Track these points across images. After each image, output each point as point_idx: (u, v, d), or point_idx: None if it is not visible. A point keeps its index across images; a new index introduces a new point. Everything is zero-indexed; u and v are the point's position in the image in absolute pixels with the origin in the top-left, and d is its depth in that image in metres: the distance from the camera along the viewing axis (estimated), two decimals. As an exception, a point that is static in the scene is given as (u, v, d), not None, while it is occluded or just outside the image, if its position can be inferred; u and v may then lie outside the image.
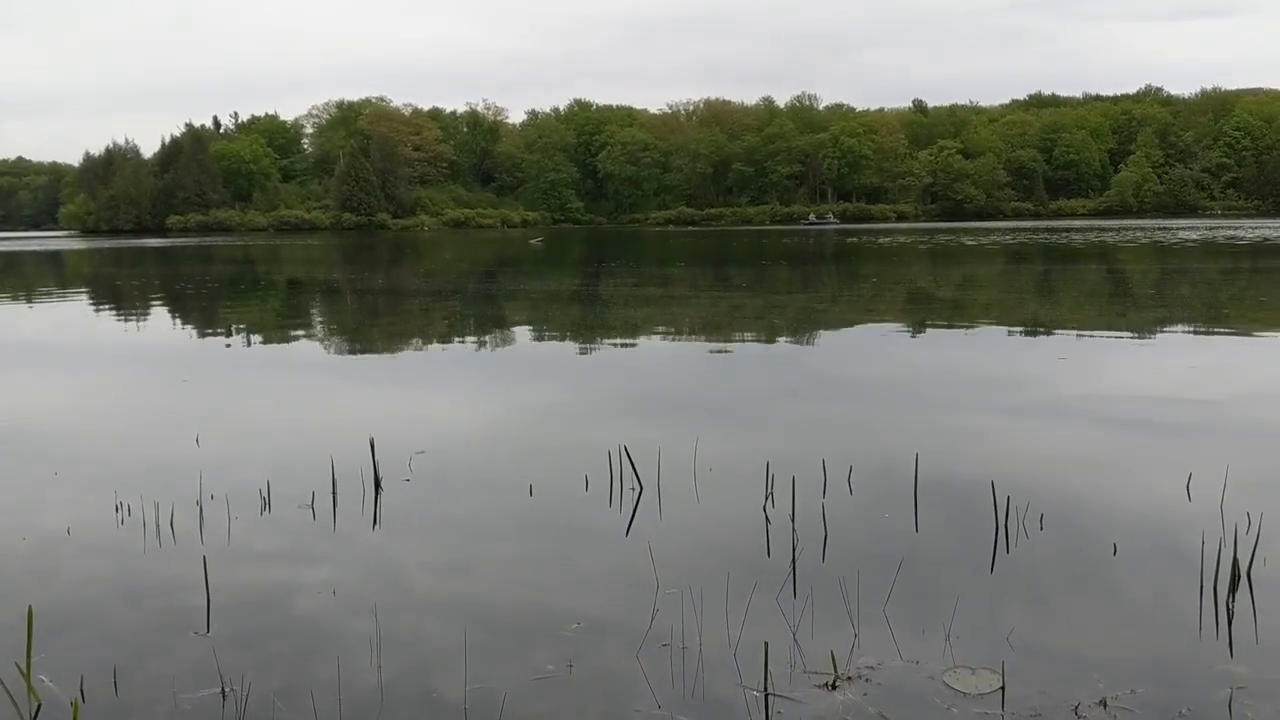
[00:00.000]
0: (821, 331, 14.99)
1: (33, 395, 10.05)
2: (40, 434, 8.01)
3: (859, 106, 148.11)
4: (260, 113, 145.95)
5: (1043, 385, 9.60)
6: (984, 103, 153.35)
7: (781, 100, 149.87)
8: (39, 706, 3.43)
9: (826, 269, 33.09)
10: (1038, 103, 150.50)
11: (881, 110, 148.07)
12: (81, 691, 3.56)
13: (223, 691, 3.60)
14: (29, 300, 24.16)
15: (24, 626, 3.64)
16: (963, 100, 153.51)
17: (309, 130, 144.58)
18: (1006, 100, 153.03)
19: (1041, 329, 14.87)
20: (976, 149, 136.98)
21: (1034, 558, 4.90)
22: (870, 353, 12.56)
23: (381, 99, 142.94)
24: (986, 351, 12.47)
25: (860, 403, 9.01)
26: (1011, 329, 14.74)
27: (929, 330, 14.95)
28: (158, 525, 5.47)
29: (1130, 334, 13.94)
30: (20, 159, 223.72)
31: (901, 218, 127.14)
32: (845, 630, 4.06)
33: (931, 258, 37.40)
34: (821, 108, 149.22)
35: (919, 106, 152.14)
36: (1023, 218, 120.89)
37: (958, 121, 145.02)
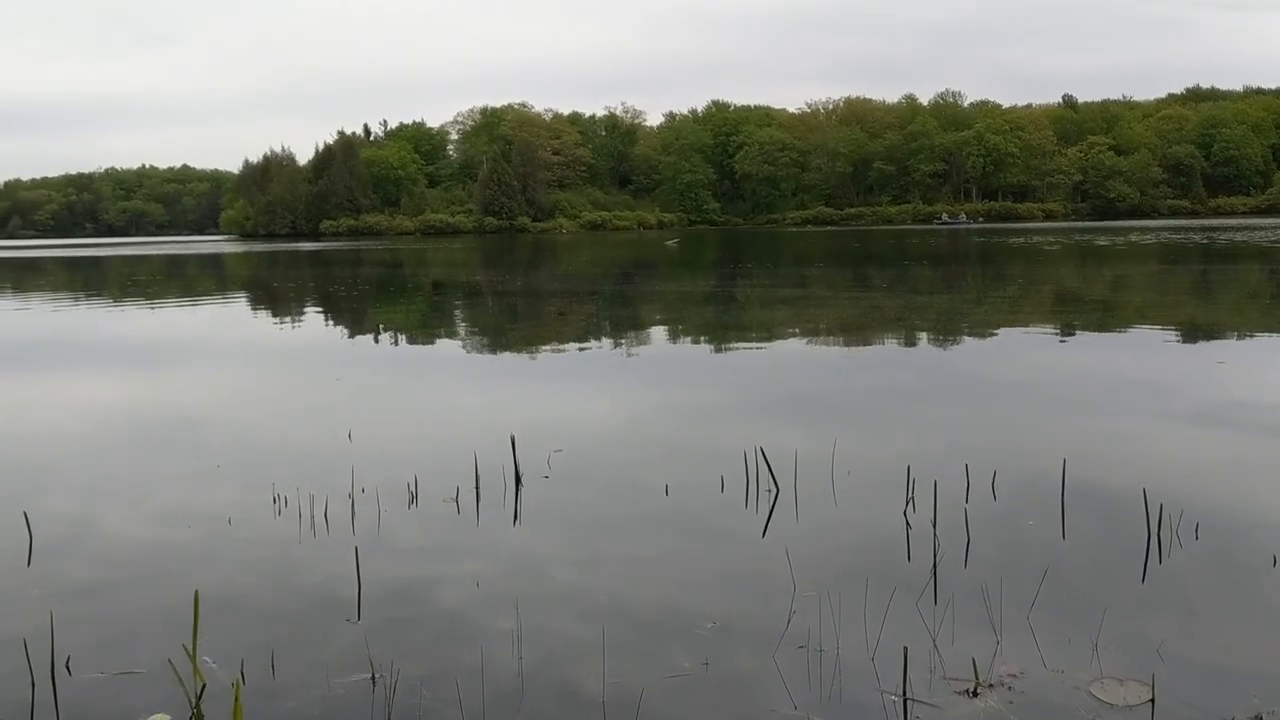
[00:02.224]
0: (964, 333, 14.66)
1: (197, 392, 10.59)
2: (204, 428, 8.44)
3: (1005, 103, 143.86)
4: (408, 120, 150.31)
5: (1200, 390, 9.20)
6: (1137, 97, 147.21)
7: (924, 97, 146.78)
8: (203, 687, 3.62)
9: (970, 269, 32.31)
10: (1195, 96, 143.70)
11: (1029, 106, 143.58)
12: (242, 673, 3.74)
13: (372, 677, 3.74)
14: (193, 301, 25.43)
15: (191, 610, 3.84)
16: (1115, 95, 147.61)
17: (454, 136, 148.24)
18: (1162, 94, 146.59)
19: (1199, 332, 14.23)
20: (1129, 145, 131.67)
21: (1188, 568, 4.71)
22: (1016, 355, 12.23)
23: (523, 104, 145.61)
24: (1139, 355, 12.00)
25: (1005, 407, 8.79)
26: (1166, 332, 14.15)
27: (1078, 332, 14.47)
28: (312, 516, 5.72)
29: (1297, 337, 13.22)
30: (185, 166, 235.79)
31: (1049, 216, 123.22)
32: (987, 637, 3.98)
33: (1080, 257, 36.16)
34: (966, 104, 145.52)
35: (1068, 102, 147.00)
36: (1179, 216, 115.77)
37: (1109, 117, 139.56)
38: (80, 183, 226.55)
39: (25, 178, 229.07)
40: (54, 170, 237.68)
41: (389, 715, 3.47)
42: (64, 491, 6.42)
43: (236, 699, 3.23)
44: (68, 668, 3.86)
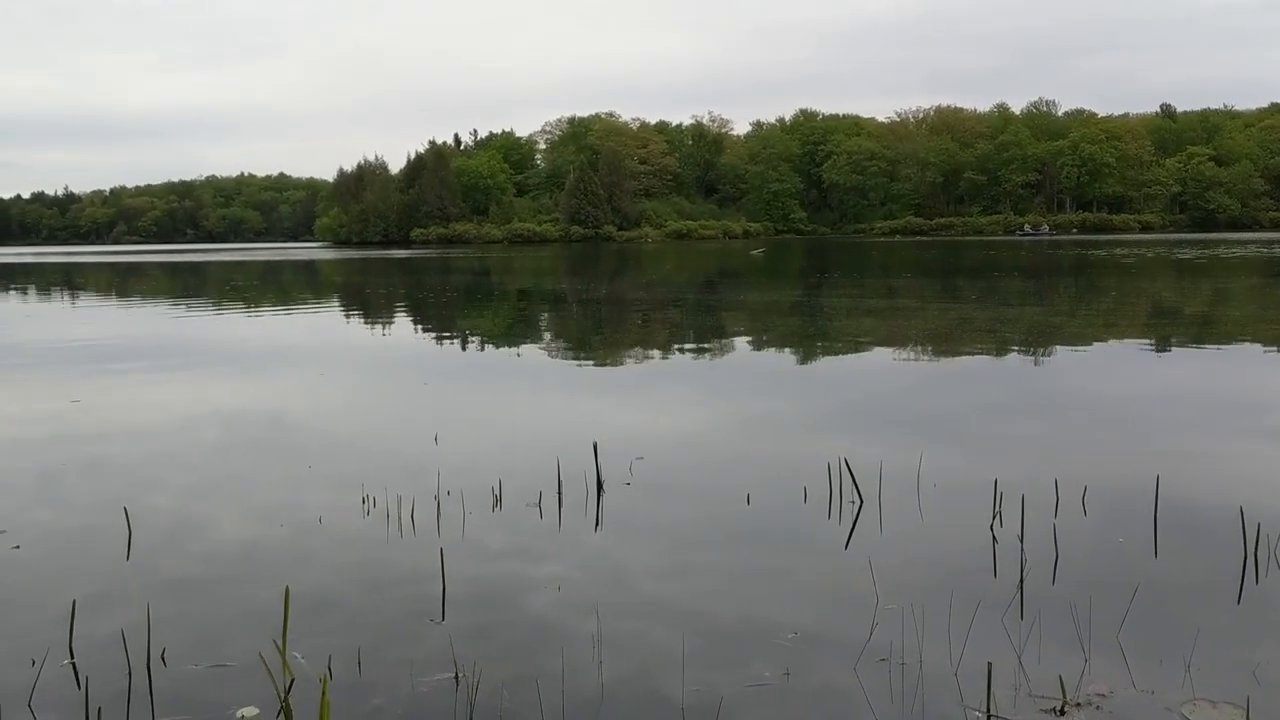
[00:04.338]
0: (1056, 346, 14.34)
1: (291, 394, 10.85)
2: (297, 430, 8.65)
3: (1100, 112, 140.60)
4: (498, 129, 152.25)
5: (1304, 408, 8.88)
6: (1239, 106, 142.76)
7: (1017, 106, 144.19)
8: (292, 681, 3.71)
9: (1063, 281, 31.62)
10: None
11: (1125, 116, 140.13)
12: (329, 669, 3.82)
13: (456, 677, 3.80)
14: (288, 307, 26.04)
15: (281, 606, 3.94)
16: (1215, 104, 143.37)
17: (542, 146, 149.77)
18: (1265, 104, 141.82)
19: (1304, 347, 13.73)
20: (1230, 156, 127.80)
21: (1289, 592, 4.55)
22: (1108, 369, 11.94)
23: (611, 114, 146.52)
24: (1239, 371, 11.63)
25: (1096, 421, 8.58)
26: (1268, 348, 13.69)
27: (1174, 347, 14.07)
28: (399, 518, 5.82)
29: None
30: (282, 174, 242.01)
31: (1146, 228, 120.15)
32: (1075, 655, 3.89)
33: (1178, 270, 35.16)
34: (1060, 113, 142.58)
35: (1167, 111, 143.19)
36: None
37: (1209, 127, 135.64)
38: (182, 190, 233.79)
39: (130, 185, 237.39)
40: (157, 178, 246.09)
41: (471, 715, 3.52)
42: (163, 489, 6.63)
43: (324, 694, 3.30)
44: (163, 660, 3.99)
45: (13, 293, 34.77)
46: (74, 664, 3.97)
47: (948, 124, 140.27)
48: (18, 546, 5.41)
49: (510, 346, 15.84)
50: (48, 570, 5.08)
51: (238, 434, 8.53)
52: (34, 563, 5.19)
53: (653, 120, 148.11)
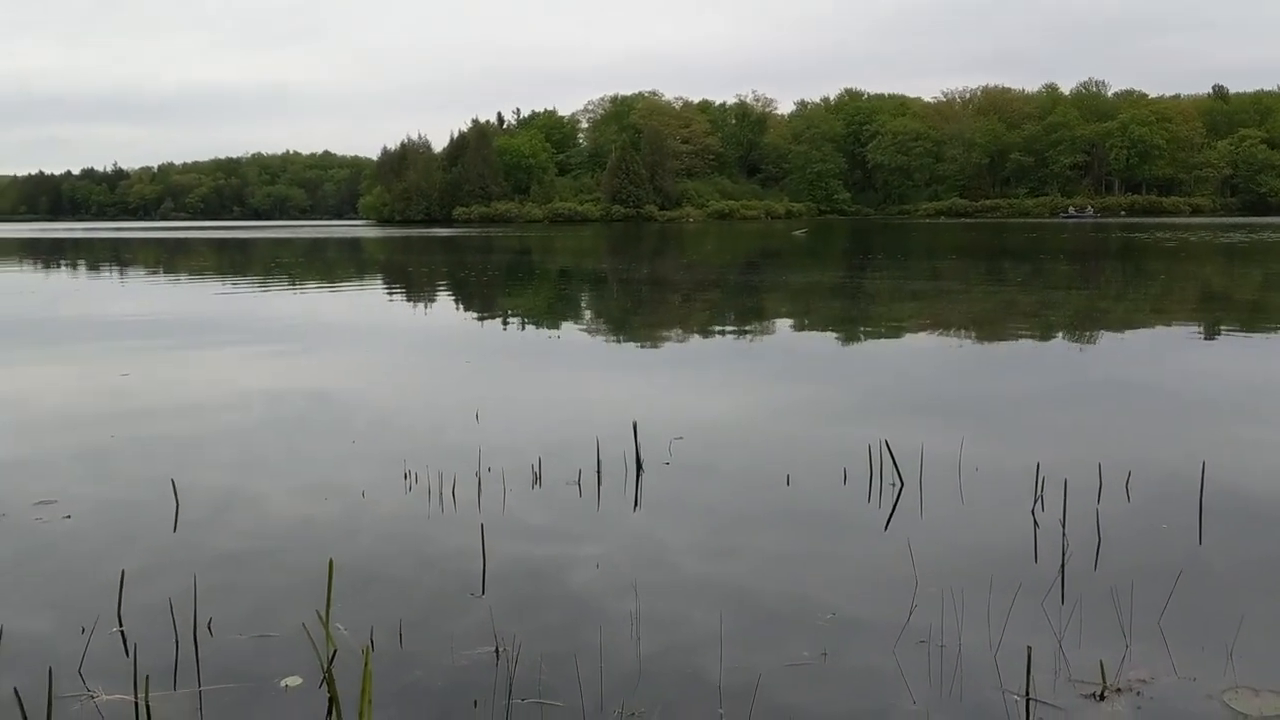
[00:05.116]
0: (1102, 331, 14.18)
1: (335, 371, 10.97)
2: (341, 406, 8.74)
3: (1151, 93, 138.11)
4: (540, 108, 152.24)
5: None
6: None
7: (1066, 87, 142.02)
8: (334, 652, 3.77)
9: (1110, 264, 31.22)
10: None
11: (1176, 97, 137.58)
12: (371, 641, 3.88)
13: (496, 651, 3.84)
14: (332, 284, 26.28)
15: (325, 578, 4.00)
16: (1269, 86, 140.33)
17: (584, 125, 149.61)
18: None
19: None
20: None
21: (1337, 581, 4.49)
22: (1155, 354, 11.80)
23: (654, 93, 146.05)
24: (1291, 357, 11.43)
25: (1142, 407, 8.48)
26: (1322, 333, 13.45)
27: (1223, 333, 13.87)
28: (441, 493, 5.88)
29: None
30: (326, 153, 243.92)
31: (1196, 211, 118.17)
32: (1116, 641, 3.87)
33: (1228, 255, 34.58)
34: (1110, 94, 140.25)
35: (1219, 93, 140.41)
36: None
37: (1262, 109, 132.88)
38: (228, 168, 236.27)
39: (178, 162, 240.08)
40: (204, 156, 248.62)
41: (510, 689, 3.56)
42: (209, 463, 6.73)
43: (366, 665, 3.35)
44: (209, 629, 4.06)
45: (64, 268, 35.34)
46: (123, 632, 4.06)
47: (995, 104, 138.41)
48: (69, 516, 5.53)
49: (550, 326, 15.89)
50: (97, 540, 5.19)
51: (283, 409, 8.64)
52: (84, 533, 5.30)
53: (696, 99, 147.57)
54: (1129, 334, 13.91)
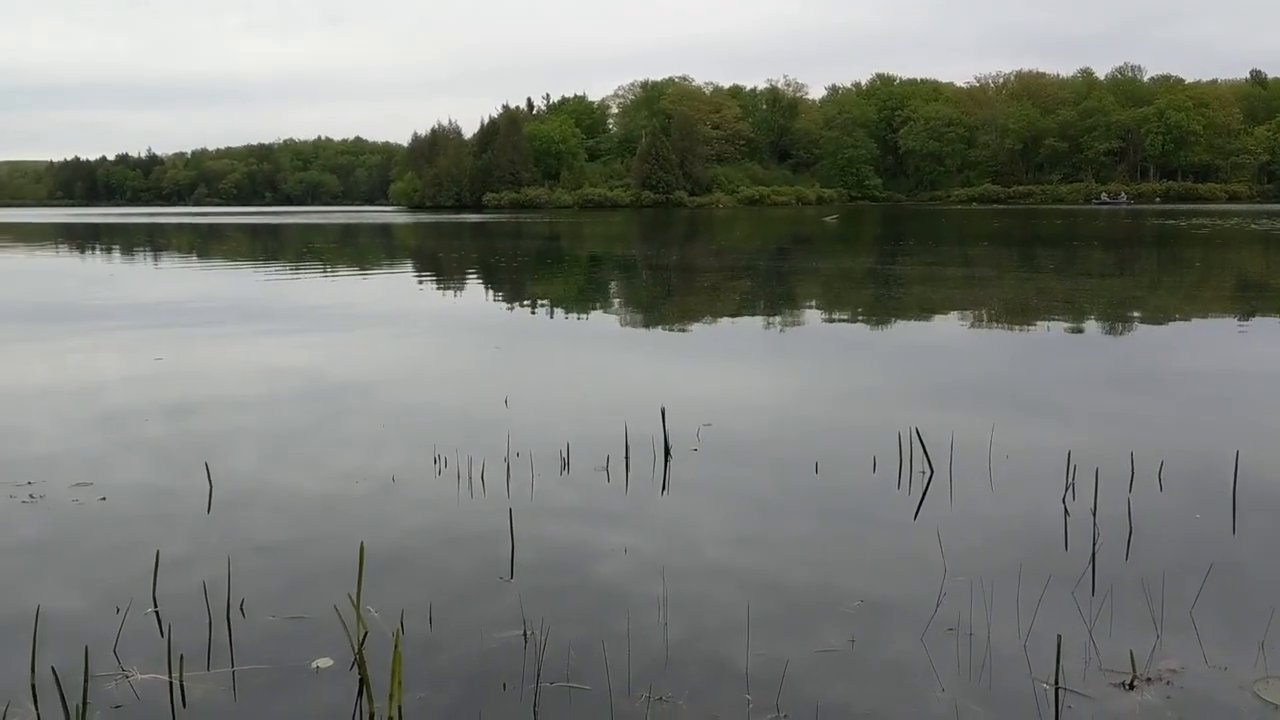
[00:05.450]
0: (1135, 318, 14.04)
1: (366, 356, 11.04)
2: (372, 391, 8.80)
3: (1188, 78, 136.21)
4: (570, 94, 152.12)
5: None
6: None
7: (1101, 72, 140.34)
8: (365, 634, 3.80)
9: (1145, 252, 30.88)
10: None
11: (1214, 82, 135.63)
12: (401, 623, 3.91)
13: (524, 635, 3.87)
14: (363, 269, 26.42)
15: (356, 561, 4.04)
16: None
17: (614, 110, 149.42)
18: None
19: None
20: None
21: (1373, 573, 4.44)
22: (1190, 343, 11.67)
23: (684, 78, 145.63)
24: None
25: (1176, 396, 8.40)
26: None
27: (1260, 321, 13.69)
28: (470, 478, 5.91)
29: None
30: (358, 139, 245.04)
31: (1233, 198, 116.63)
32: (1146, 631, 3.84)
33: (1265, 243, 34.12)
34: (1146, 79, 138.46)
35: (1257, 78, 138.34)
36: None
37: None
38: (261, 153, 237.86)
39: (211, 148, 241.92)
40: (237, 141, 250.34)
41: (539, 673, 3.58)
42: (242, 446, 6.80)
43: (396, 647, 3.39)
44: (242, 611, 4.11)
45: (99, 253, 35.73)
46: (157, 613, 4.11)
47: (1029, 90, 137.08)
48: (104, 499, 5.60)
49: (579, 312, 15.92)
50: (132, 522, 5.25)
51: (314, 393, 8.71)
52: (119, 515, 5.37)
53: (726, 85, 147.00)
54: (1163, 322, 13.77)
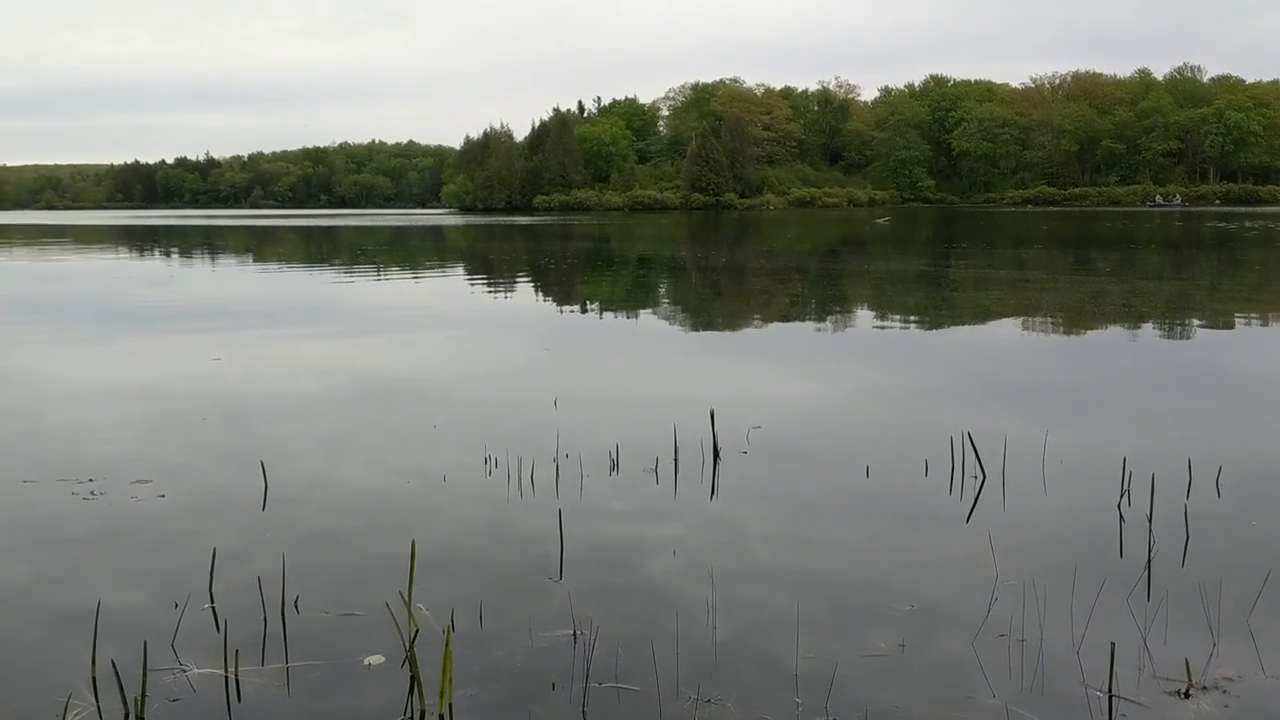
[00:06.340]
0: (1194, 322, 13.80)
1: (418, 356, 11.14)
2: (424, 391, 8.88)
3: (1249, 78, 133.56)
4: (620, 96, 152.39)
5: None
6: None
7: (1160, 72, 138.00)
8: (416, 631, 3.84)
9: (1204, 254, 30.33)
10: None
11: (1275, 82, 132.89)
12: (452, 621, 3.94)
13: (574, 635, 3.89)
14: (415, 271, 26.65)
15: (408, 560, 4.08)
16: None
17: (664, 112, 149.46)
18: None
19: None
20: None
21: None
22: (1246, 347, 11.44)
23: (735, 80, 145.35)
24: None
25: (1235, 400, 8.24)
26: None
27: (1324, 324, 13.39)
28: (520, 478, 5.95)
29: None
30: (411, 142, 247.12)
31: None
32: (1202, 638, 3.78)
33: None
34: (1205, 80, 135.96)
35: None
36: None
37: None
38: (315, 156, 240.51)
39: (267, 151, 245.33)
40: (292, 144, 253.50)
41: (588, 672, 3.60)
42: (297, 445, 6.89)
43: (447, 645, 3.42)
44: (296, 606, 4.17)
45: (157, 254, 36.38)
46: (214, 608, 4.18)
47: (1085, 90, 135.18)
48: (163, 495, 5.71)
49: (629, 313, 15.94)
50: (190, 519, 5.35)
51: (367, 394, 8.81)
52: (177, 512, 5.47)
53: (778, 86, 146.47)
54: (1220, 325, 13.51)
